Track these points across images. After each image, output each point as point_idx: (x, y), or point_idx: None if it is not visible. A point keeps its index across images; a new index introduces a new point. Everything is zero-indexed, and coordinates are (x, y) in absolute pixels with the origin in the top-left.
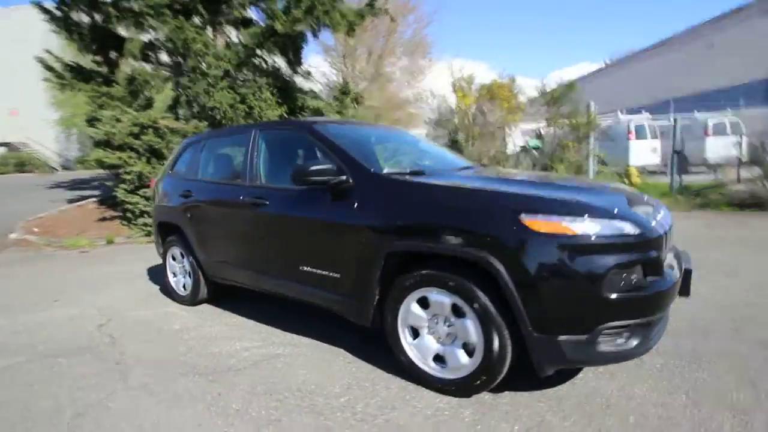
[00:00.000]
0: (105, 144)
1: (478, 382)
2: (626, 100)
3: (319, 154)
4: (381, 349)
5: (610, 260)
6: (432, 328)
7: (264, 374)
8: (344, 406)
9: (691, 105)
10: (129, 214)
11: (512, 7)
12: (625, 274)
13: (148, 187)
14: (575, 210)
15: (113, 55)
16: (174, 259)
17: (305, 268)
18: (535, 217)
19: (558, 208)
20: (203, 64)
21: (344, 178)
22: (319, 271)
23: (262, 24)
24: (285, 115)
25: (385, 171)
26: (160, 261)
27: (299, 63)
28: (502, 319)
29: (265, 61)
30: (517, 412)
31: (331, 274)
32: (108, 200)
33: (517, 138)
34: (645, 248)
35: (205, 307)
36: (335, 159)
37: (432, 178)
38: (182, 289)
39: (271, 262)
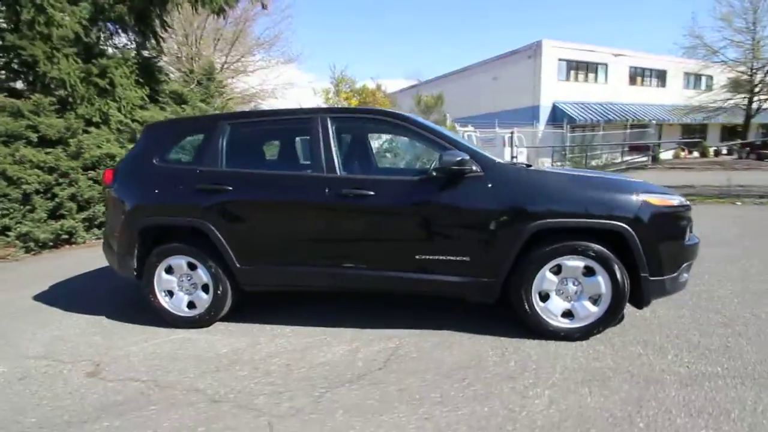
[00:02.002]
0: None
1: (600, 327)
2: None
3: (422, 144)
4: (474, 321)
5: (685, 221)
6: (561, 289)
7: (413, 366)
8: (515, 373)
9: (488, 121)
10: None
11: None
12: (688, 230)
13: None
14: (667, 191)
15: None
16: (170, 272)
17: (424, 257)
18: (652, 196)
19: (659, 189)
20: (42, 17)
21: (476, 168)
22: (443, 257)
23: None
24: (146, 98)
25: (500, 162)
26: (67, 274)
27: (158, 39)
28: (626, 270)
29: (120, 31)
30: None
31: (458, 258)
32: None
33: None
34: (690, 213)
35: (219, 325)
36: (454, 149)
37: (543, 169)
38: (186, 308)
39: (373, 256)
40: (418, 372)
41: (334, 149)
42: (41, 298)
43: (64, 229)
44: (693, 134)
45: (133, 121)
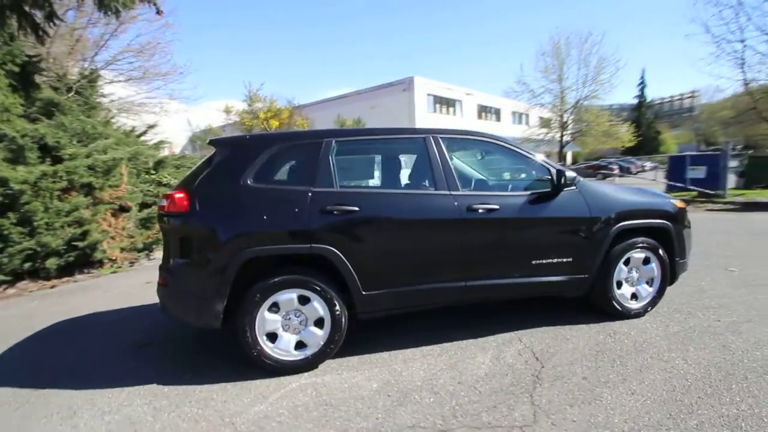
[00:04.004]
0: None
1: (655, 303)
2: None
3: (526, 166)
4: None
5: (688, 218)
6: (628, 278)
7: (564, 359)
8: (637, 346)
9: None
10: None
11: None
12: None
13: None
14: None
15: None
16: (275, 310)
17: (538, 261)
18: (676, 200)
19: (673, 196)
20: None
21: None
22: (553, 260)
23: None
24: (22, 105)
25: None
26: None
27: (42, 37)
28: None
29: None
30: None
31: (564, 259)
32: None
33: None
34: None
35: (327, 365)
36: (551, 169)
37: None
38: (294, 350)
39: (496, 265)
40: (573, 362)
41: (451, 167)
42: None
43: None
44: None
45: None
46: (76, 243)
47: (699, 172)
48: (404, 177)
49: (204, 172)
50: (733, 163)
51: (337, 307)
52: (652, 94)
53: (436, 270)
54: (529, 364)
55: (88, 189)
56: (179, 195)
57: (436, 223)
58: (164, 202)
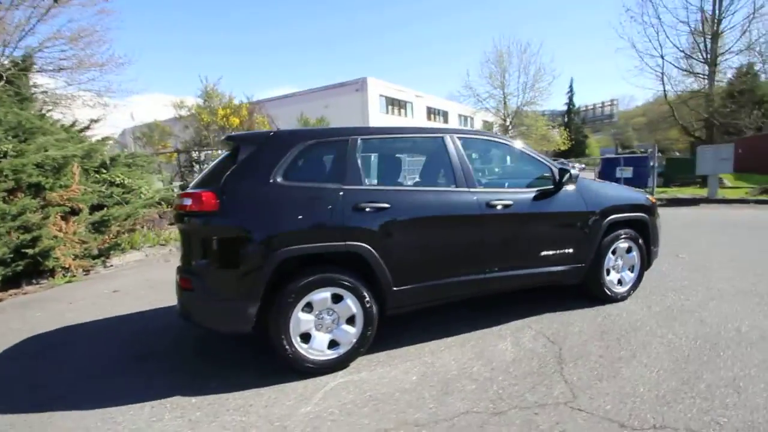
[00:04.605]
0: None
1: (636, 287)
2: None
3: (530, 164)
4: (538, 305)
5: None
6: (615, 266)
7: (580, 339)
8: (635, 325)
9: None
10: None
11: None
12: None
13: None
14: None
15: None
16: (308, 310)
17: (546, 253)
18: (650, 195)
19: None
20: None
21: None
22: (558, 251)
23: None
24: None
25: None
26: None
27: None
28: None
29: None
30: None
31: (567, 250)
32: None
33: None
34: None
35: (357, 363)
36: (552, 167)
37: (599, 181)
38: (328, 350)
39: (510, 258)
40: (585, 343)
41: (469, 165)
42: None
43: None
44: None
45: None
46: (25, 250)
47: (627, 172)
48: (426, 174)
49: (229, 169)
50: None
51: (369, 304)
52: (578, 101)
53: (459, 264)
54: (547, 348)
55: (37, 190)
56: (207, 193)
57: (460, 219)
58: (186, 201)
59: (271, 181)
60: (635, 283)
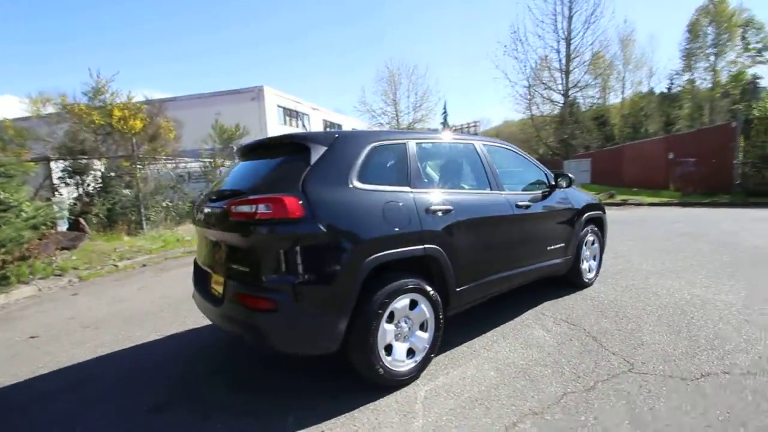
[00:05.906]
0: None
1: (599, 272)
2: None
3: (530, 168)
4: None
5: None
6: (587, 255)
7: (590, 325)
8: (607, 306)
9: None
10: None
11: None
12: None
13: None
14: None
15: None
16: (389, 320)
17: (551, 247)
18: (599, 196)
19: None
20: None
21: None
22: (557, 246)
23: None
24: None
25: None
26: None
27: None
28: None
29: None
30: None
31: (561, 245)
32: None
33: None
34: None
35: (425, 375)
36: (545, 171)
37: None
38: (406, 359)
39: (529, 254)
40: (597, 321)
41: (496, 169)
42: None
43: None
44: None
45: None
46: None
47: None
48: (466, 178)
49: (303, 171)
50: None
51: (440, 308)
52: (452, 121)
53: (499, 262)
54: (574, 330)
55: None
56: (290, 198)
57: (499, 219)
58: (258, 208)
59: (350, 185)
60: (598, 270)
